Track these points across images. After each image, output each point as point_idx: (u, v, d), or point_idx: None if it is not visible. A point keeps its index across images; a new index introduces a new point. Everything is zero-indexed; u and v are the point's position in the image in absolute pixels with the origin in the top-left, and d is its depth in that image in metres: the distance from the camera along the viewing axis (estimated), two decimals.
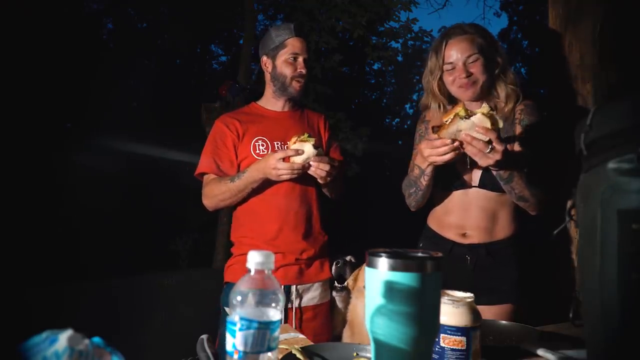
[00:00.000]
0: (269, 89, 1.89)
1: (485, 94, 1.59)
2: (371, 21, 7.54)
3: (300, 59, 1.81)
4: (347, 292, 2.05)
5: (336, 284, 2.09)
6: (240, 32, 9.56)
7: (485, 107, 1.37)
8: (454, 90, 1.58)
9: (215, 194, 1.77)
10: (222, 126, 1.84)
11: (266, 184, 1.74)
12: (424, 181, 1.56)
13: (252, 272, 0.69)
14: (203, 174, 1.85)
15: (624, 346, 0.59)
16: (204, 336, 0.85)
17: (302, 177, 1.74)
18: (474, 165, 1.56)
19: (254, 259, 0.69)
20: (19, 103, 7.20)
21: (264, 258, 0.69)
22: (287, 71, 1.81)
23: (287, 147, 1.67)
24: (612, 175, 0.59)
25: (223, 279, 1.87)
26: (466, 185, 1.59)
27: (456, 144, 1.37)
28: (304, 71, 1.81)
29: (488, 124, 1.34)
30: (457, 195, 1.61)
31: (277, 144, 1.81)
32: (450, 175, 1.59)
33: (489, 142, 1.34)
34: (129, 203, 8.30)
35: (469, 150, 1.37)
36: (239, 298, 0.67)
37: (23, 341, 0.56)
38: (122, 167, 7.72)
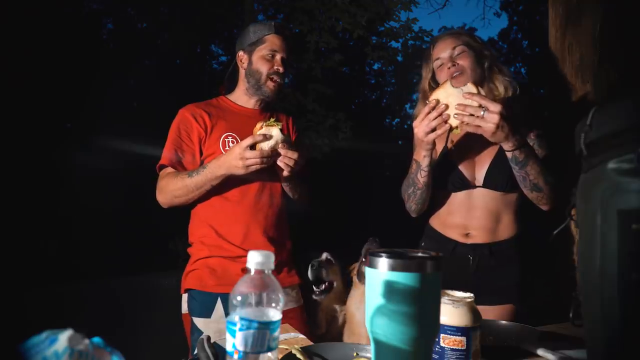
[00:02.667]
0: (242, 85, 1.80)
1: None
2: (371, 21, 7.53)
3: (278, 57, 1.72)
4: (327, 295, 1.96)
5: (314, 287, 1.96)
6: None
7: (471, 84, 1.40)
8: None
9: (170, 189, 1.63)
10: (188, 116, 1.71)
11: (233, 182, 1.63)
12: (421, 177, 1.55)
13: (252, 272, 0.69)
14: (163, 166, 1.71)
15: (624, 346, 0.59)
16: (204, 336, 0.85)
17: (271, 177, 1.69)
18: (460, 145, 1.56)
19: (254, 259, 0.69)
20: (19, 103, 7.20)
21: (264, 258, 0.69)
22: (263, 68, 1.72)
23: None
24: (612, 175, 0.59)
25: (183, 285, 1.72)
26: (470, 185, 1.59)
27: (442, 106, 1.38)
28: (281, 69, 1.72)
29: (475, 91, 1.37)
30: (460, 196, 1.61)
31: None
32: (453, 176, 1.59)
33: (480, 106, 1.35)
34: (129, 203, 8.29)
35: (467, 120, 1.36)
36: (239, 298, 0.67)
37: (23, 341, 0.56)
38: (122, 167, 7.71)
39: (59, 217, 7.71)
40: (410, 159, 1.74)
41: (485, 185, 1.57)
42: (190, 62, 11.46)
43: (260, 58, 1.73)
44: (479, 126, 1.36)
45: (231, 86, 1.86)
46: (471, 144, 1.59)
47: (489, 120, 1.33)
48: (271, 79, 1.73)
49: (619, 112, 0.62)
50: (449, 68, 1.56)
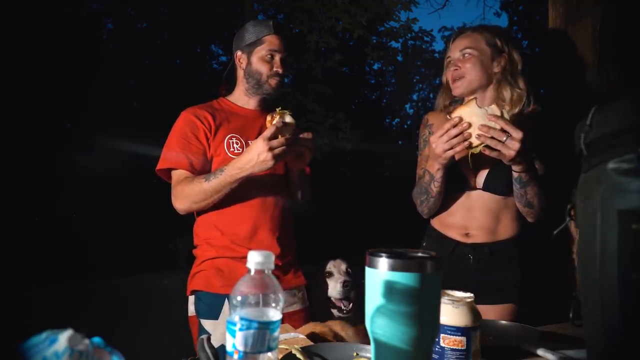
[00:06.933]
0: (241, 86, 1.77)
1: (479, 93, 1.59)
2: (371, 21, 7.54)
3: (277, 58, 1.71)
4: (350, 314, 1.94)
5: (342, 305, 1.92)
6: None
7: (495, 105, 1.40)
8: (451, 86, 1.62)
9: (188, 194, 1.59)
10: (192, 118, 1.68)
11: (239, 182, 1.59)
12: (434, 187, 1.55)
13: (252, 272, 0.69)
14: (170, 169, 1.66)
15: (624, 346, 0.59)
16: (204, 336, 0.85)
17: (276, 177, 1.68)
18: (479, 166, 1.56)
19: (254, 259, 0.69)
20: (19, 103, 7.20)
21: (264, 258, 0.69)
22: (262, 69, 1.70)
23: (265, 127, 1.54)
24: (612, 175, 0.59)
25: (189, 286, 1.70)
26: (470, 187, 1.59)
27: (465, 124, 1.37)
28: (280, 70, 1.71)
29: (499, 114, 1.37)
30: (460, 197, 1.61)
31: (251, 143, 1.65)
32: (453, 178, 1.59)
33: (503, 131, 1.34)
34: (129, 203, 8.30)
35: (489, 142, 1.35)
36: (239, 298, 0.67)
37: (23, 341, 0.56)
38: (122, 166, 7.72)
39: (59, 217, 7.72)
40: (411, 159, 1.75)
41: (485, 188, 1.57)
42: (190, 62, 11.47)
43: (260, 59, 1.71)
44: (499, 151, 1.35)
45: (230, 86, 1.85)
46: None
47: (511, 147, 1.33)
48: (272, 78, 1.72)
49: (619, 112, 0.62)
50: (452, 71, 1.58)
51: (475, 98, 1.43)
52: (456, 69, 1.57)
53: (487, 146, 1.37)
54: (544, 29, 2.14)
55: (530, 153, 1.44)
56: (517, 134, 1.33)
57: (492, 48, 1.58)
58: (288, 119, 1.53)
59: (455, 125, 1.38)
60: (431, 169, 1.54)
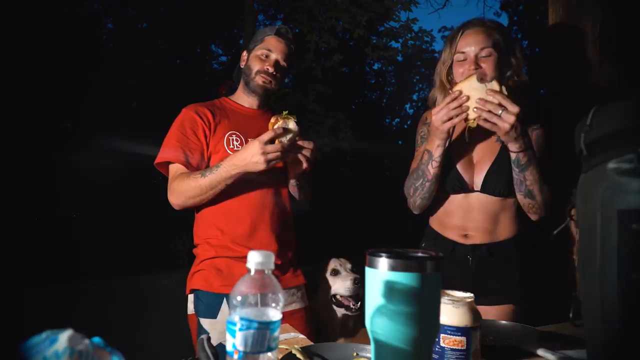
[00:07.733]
0: (241, 85, 1.82)
1: None
2: (371, 21, 7.53)
3: (272, 57, 1.73)
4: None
5: (351, 303, 1.95)
6: (240, 32, 9.57)
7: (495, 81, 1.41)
8: None
9: (183, 190, 1.60)
10: (192, 114, 1.70)
11: (239, 182, 1.60)
12: (432, 168, 1.54)
13: (252, 272, 0.69)
14: (167, 163, 1.68)
15: (624, 346, 0.59)
16: (204, 336, 0.85)
17: (276, 177, 1.69)
18: (477, 154, 1.56)
19: (254, 259, 0.69)
20: (19, 103, 7.20)
21: (264, 258, 0.69)
22: (254, 65, 1.73)
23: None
24: (612, 175, 0.59)
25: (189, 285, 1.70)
26: (468, 189, 1.59)
27: (464, 97, 1.40)
28: (270, 69, 1.72)
29: (498, 89, 1.39)
30: (458, 198, 1.61)
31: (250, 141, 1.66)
32: (452, 178, 1.59)
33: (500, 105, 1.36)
34: (129, 203, 8.29)
35: (485, 115, 1.37)
36: (239, 298, 0.67)
37: (23, 341, 0.56)
38: (122, 167, 7.71)
39: (59, 217, 7.72)
40: (411, 159, 1.74)
41: (483, 190, 1.57)
42: (190, 62, 11.47)
43: (255, 56, 1.75)
44: (494, 123, 1.38)
45: (234, 86, 1.88)
46: (471, 147, 1.59)
47: (506, 120, 1.36)
48: (260, 76, 1.73)
49: (619, 112, 0.62)
50: (470, 70, 1.51)
51: (476, 73, 1.44)
52: (476, 69, 1.51)
53: (485, 120, 1.39)
54: (544, 28, 2.14)
55: (526, 130, 1.45)
56: (513, 108, 1.35)
57: (506, 44, 1.56)
58: (291, 125, 1.53)
59: (455, 99, 1.41)
60: (430, 146, 1.53)
